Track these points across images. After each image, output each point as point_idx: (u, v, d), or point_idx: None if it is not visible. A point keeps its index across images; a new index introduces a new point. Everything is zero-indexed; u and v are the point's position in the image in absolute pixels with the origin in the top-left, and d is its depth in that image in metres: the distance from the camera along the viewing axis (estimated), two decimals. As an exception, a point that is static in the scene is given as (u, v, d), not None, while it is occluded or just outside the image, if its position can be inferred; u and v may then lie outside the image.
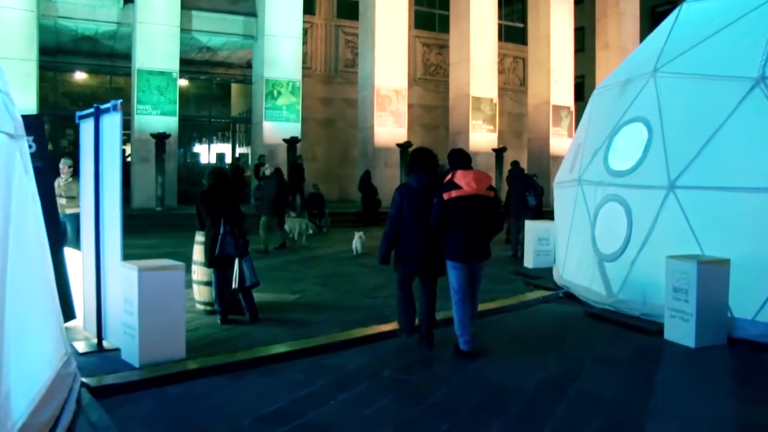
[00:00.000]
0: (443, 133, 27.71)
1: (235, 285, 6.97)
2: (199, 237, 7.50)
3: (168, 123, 19.52)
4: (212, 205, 7.04)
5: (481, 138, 23.87)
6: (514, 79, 29.79)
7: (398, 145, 21.49)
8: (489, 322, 7.44)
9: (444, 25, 27.56)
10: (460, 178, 5.69)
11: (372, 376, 5.44)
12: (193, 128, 26.91)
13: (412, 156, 6.30)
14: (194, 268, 7.59)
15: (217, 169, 7.39)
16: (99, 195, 6.05)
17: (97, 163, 6.01)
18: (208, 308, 7.44)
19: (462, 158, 5.98)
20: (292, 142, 20.03)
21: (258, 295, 7.72)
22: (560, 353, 6.26)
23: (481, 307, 7.02)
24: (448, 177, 5.77)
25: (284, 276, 10.26)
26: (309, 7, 25.10)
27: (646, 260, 7.26)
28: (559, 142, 25.26)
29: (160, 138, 18.67)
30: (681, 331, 6.35)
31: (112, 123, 5.94)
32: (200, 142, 27.45)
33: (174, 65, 19.70)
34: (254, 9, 21.49)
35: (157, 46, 19.40)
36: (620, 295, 7.63)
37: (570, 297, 8.66)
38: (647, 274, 7.19)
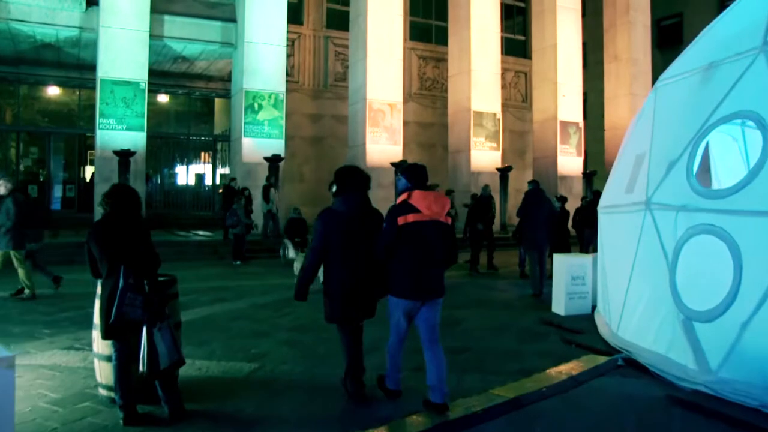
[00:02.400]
0: (441, 152, 25.25)
1: (142, 368, 4.39)
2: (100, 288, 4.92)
3: (135, 139, 17.03)
4: (108, 242, 4.48)
5: (484, 156, 21.40)
6: (516, 95, 27.41)
7: (393, 164, 19.01)
8: (528, 415, 4.93)
9: (441, 37, 25.25)
10: (419, 199, 4.78)
11: None
12: (170, 147, 24.38)
13: (338, 176, 5.15)
14: (94, 335, 5.01)
15: (118, 188, 4.76)
16: None
17: None
18: (113, 395, 4.84)
19: (422, 176, 4.98)
20: (274, 161, 17.52)
21: (199, 365, 5.37)
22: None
23: (515, 390, 5.15)
24: (402, 197, 4.86)
25: (245, 328, 7.68)
26: (296, 17, 22.75)
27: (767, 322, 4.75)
28: (568, 161, 22.81)
29: (124, 155, 16.15)
30: None
31: None
32: (179, 162, 24.87)
33: (142, 74, 17.23)
34: (233, 14, 19.10)
35: (122, 53, 16.94)
36: (722, 373, 5.09)
37: (633, 365, 6.11)
38: (771, 344, 4.68)
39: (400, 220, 4.73)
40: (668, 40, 30.49)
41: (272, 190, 16.78)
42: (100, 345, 4.84)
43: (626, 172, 6.92)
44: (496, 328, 7.86)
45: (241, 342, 7.01)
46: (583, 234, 12.90)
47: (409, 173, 4.98)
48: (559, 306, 8.79)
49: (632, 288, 6.34)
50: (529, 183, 11.82)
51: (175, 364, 4.51)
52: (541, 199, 11.05)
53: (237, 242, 14.62)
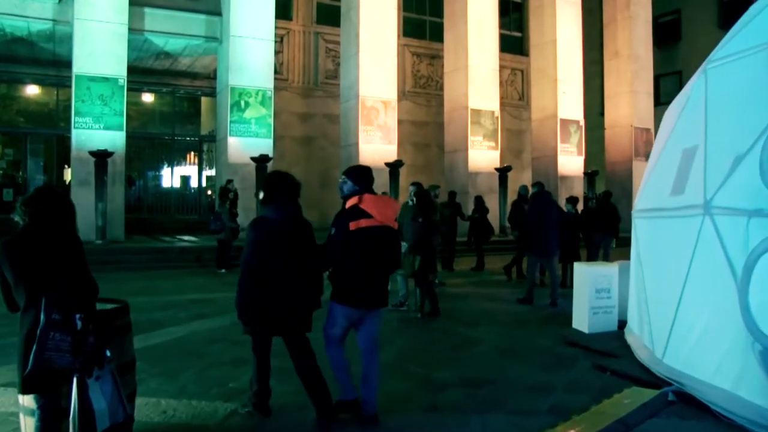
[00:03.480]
0: (436, 152, 24.20)
1: (73, 431, 3.26)
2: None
3: (113, 139, 15.85)
4: (24, 263, 3.31)
5: (482, 156, 20.32)
6: (513, 93, 26.35)
7: (387, 164, 17.91)
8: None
9: (435, 33, 24.19)
10: (371, 204, 4.52)
11: None
12: (155, 148, 23.17)
13: (268, 181, 4.74)
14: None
15: (42, 192, 3.56)
16: None
17: None
18: (45, 458, 3.68)
19: (370, 179, 4.72)
20: (261, 161, 16.36)
21: (165, 406, 4.64)
22: None
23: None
24: (352, 202, 4.56)
25: (224, 354, 6.56)
26: (285, 12, 21.66)
27: None
28: (568, 160, 21.76)
29: (101, 156, 14.97)
30: None
31: None
32: (164, 163, 23.63)
33: (121, 70, 16.05)
34: (218, 6, 17.93)
35: (99, 48, 15.74)
36: (816, 420, 4.01)
37: (686, 400, 5.04)
38: None
39: (352, 226, 4.46)
40: (666, 37, 29.61)
41: None
42: (25, 396, 3.70)
43: (670, 170, 5.83)
44: (514, 351, 6.77)
45: (218, 372, 5.90)
46: (591, 239, 11.78)
47: (356, 176, 4.68)
48: (581, 322, 7.70)
49: (684, 308, 5.26)
50: (534, 185, 10.85)
51: (118, 427, 3.38)
52: (548, 201, 10.08)
53: (221, 248, 13.48)
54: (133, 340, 4.30)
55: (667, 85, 28.50)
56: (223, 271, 13.19)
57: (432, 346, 7.00)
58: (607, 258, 12.93)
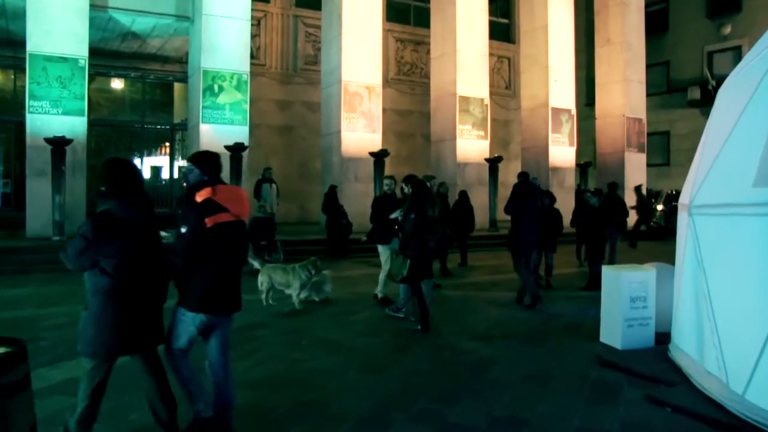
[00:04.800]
0: (421, 142, 22.94)
1: None
2: None
3: (73, 125, 14.29)
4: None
5: (471, 146, 19.03)
6: (499, 81, 25.08)
7: (372, 154, 16.56)
8: None
9: (420, 18, 22.88)
10: (225, 196, 3.90)
11: None
12: (124, 137, 21.57)
13: (109, 171, 3.72)
14: None
15: None
16: None
17: None
18: None
19: (219, 166, 4.06)
20: (236, 150, 14.93)
21: None
22: None
23: None
24: (205, 194, 3.83)
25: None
26: (262, -8, 20.17)
27: None
28: (560, 151, 20.57)
29: (58, 144, 13.44)
30: None
31: None
32: (134, 153, 22.01)
33: (81, 50, 14.47)
34: (189, -17, 16.41)
35: (56, 25, 14.15)
36: None
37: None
38: None
39: (209, 222, 3.83)
40: (654, 26, 28.51)
41: (270, 185, 14.28)
42: None
43: (748, 157, 4.57)
44: (543, 376, 5.48)
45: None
46: (602, 235, 10.49)
47: (205, 163, 4.03)
48: (612, 336, 6.45)
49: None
50: (519, 176, 9.76)
51: None
52: (530, 192, 9.09)
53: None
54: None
55: (654, 75, 27.41)
56: None
57: (443, 370, 5.69)
58: (614, 256, 11.76)
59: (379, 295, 8.70)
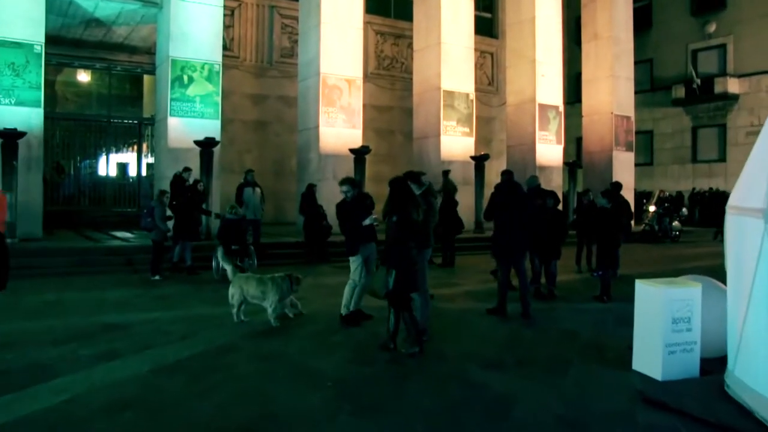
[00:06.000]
0: (400, 139, 21.86)
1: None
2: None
3: (28, 117, 12.98)
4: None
5: (456, 143, 17.97)
6: (482, 77, 24.02)
7: (352, 150, 15.41)
8: None
9: (401, 11, 21.83)
10: None
11: None
12: (91, 132, 20.13)
13: None
14: None
15: None
16: None
17: None
18: None
19: None
20: (207, 145, 13.69)
21: None
22: None
23: None
24: None
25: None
26: (236, -19, 18.90)
27: None
28: (547, 149, 19.57)
29: (10, 137, 12.11)
30: None
31: None
32: (100, 149, 20.59)
33: (37, 35, 13.13)
34: (157, -35, 15.10)
35: (8, 7, 12.82)
36: None
37: None
38: None
39: None
40: (638, 23, 27.64)
41: (253, 189, 12.94)
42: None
43: None
44: (577, 420, 4.39)
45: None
46: (615, 239, 9.43)
47: None
48: (649, 363, 5.37)
49: None
50: (502, 174, 8.79)
51: None
52: (514, 192, 8.11)
53: (155, 251, 10.82)
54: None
55: (638, 73, 26.59)
56: (157, 278, 10.56)
57: (454, 411, 4.56)
58: (616, 265, 10.70)
59: (343, 312, 7.26)
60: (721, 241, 5.71)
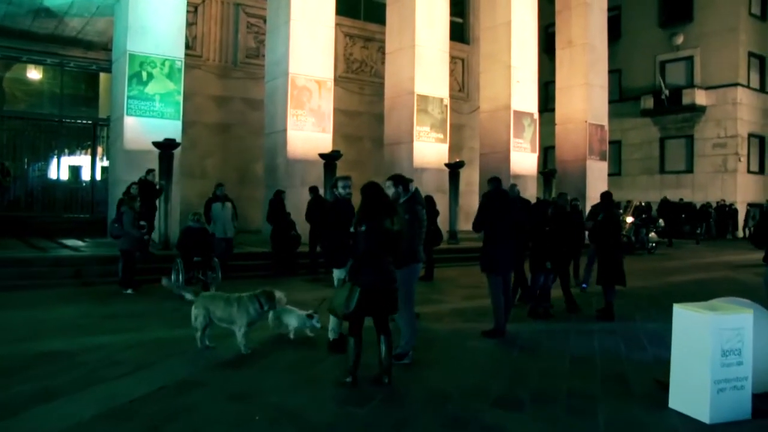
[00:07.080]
0: (369, 145, 20.94)
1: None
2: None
3: (-33, 113, 11.67)
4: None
5: (429, 150, 17.16)
6: (453, 84, 23.04)
7: (322, 155, 14.46)
8: None
9: (371, 13, 20.98)
10: None
11: None
12: (41, 132, 18.73)
13: None
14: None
15: None
16: None
17: None
18: None
19: None
20: (167, 147, 12.57)
21: None
22: None
23: None
24: None
25: None
26: (200, -23, 17.79)
27: None
28: (522, 157, 18.88)
29: (-56, 134, 10.83)
30: None
31: None
32: (51, 151, 19.20)
33: (-22, 25, 11.89)
34: (114, -47, 13.94)
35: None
36: None
37: None
38: None
39: None
40: (607, 33, 27.46)
41: (222, 204, 11.60)
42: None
43: None
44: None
45: None
46: (620, 253, 8.59)
47: None
48: (692, 402, 4.55)
49: None
50: (489, 181, 7.76)
51: None
52: (506, 201, 7.45)
53: (125, 261, 9.67)
54: None
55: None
56: (130, 291, 9.43)
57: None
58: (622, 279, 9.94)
59: (331, 337, 6.28)
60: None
